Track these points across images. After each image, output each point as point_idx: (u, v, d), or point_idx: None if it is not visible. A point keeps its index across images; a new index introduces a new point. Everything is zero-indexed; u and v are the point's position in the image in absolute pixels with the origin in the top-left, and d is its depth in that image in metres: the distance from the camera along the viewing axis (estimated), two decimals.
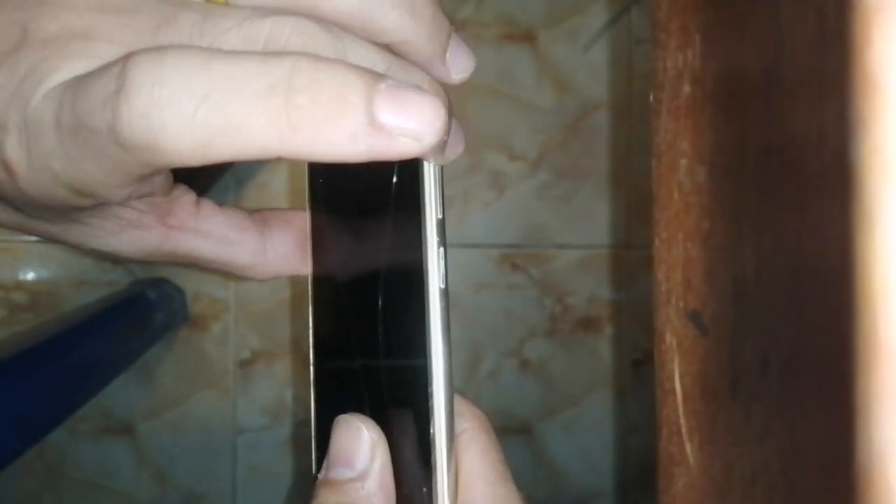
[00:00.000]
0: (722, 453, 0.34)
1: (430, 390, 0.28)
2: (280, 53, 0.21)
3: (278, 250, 0.31)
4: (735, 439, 0.33)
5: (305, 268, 0.32)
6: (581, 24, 1.01)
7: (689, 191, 0.36)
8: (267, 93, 0.20)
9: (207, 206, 0.30)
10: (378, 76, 0.21)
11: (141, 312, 0.88)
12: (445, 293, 0.31)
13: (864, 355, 0.19)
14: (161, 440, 1.00)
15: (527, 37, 1.01)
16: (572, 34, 1.01)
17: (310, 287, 0.32)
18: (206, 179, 0.93)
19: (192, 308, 0.99)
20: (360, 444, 0.27)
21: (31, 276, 0.98)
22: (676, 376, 0.36)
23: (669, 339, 0.36)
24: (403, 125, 0.21)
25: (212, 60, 0.21)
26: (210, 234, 0.30)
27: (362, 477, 0.27)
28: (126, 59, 0.21)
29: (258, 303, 1.00)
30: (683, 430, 0.35)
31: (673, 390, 0.36)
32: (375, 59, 0.24)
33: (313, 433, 0.31)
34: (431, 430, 0.28)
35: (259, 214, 0.31)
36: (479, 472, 0.28)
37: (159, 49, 0.21)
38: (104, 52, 0.22)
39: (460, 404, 0.29)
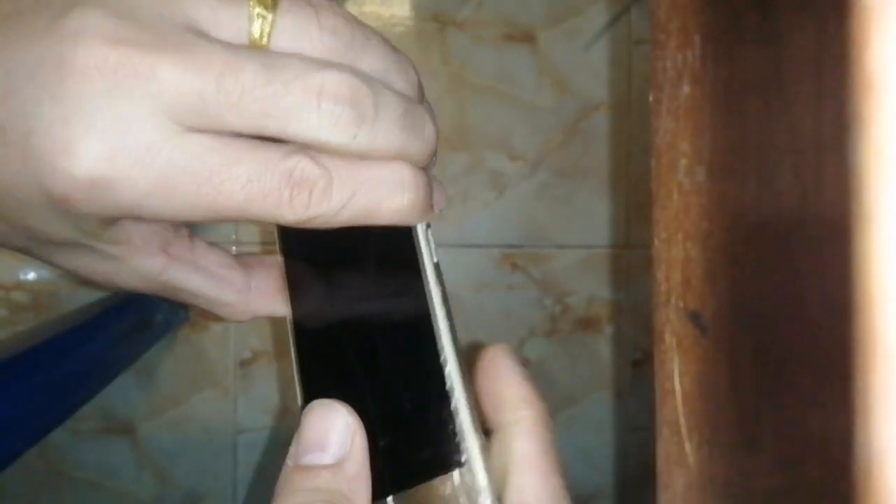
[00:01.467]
0: (721, 453, 0.34)
1: (435, 333, 0.28)
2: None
3: (261, 289, 0.32)
4: (735, 439, 0.33)
5: (284, 308, 0.33)
6: (581, 24, 1.01)
7: (688, 191, 0.36)
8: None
9: (199, 242, 0.32)
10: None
11: (141, 312, 0.88)
12: (437, 267, 0.31)
13: (864, 355, 0.19)
14: (161, 440, 1.00)
15: (527, 37, 1.01)
16: (572, 34, 1.01)
17: (290, 313, 0.33)
18: None
19: (192, 308, 0.99)
20: (337, 428, 0.26)
21: (31, 275, 0.98)
22: (676, 376, 0.36)
23: (669, 339, 0.36)
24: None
25: None
26: (203, 268, 0.31)
27: (340, 463, 0.26)
28: None
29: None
30: (683, 429, 0.35)
31: (672, 390, 0.36)
32: (402, 108, 0.27)
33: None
34: (442, 360, 0.28)
35: (241, 258, 0.33)
36: (532, 461, 0.27)
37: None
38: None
39: (525, 389, 0.28)
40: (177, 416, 1.00)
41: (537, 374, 1.01)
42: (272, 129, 0.24)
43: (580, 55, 1.01)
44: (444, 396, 0.27)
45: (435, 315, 0.29)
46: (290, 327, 0.32)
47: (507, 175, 1.01)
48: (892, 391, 0.19)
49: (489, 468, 0.26)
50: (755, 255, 0.32)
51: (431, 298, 0.29)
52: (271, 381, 1.00)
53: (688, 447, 0.35)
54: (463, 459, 0.26)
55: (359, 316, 0.31)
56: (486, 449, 0.27)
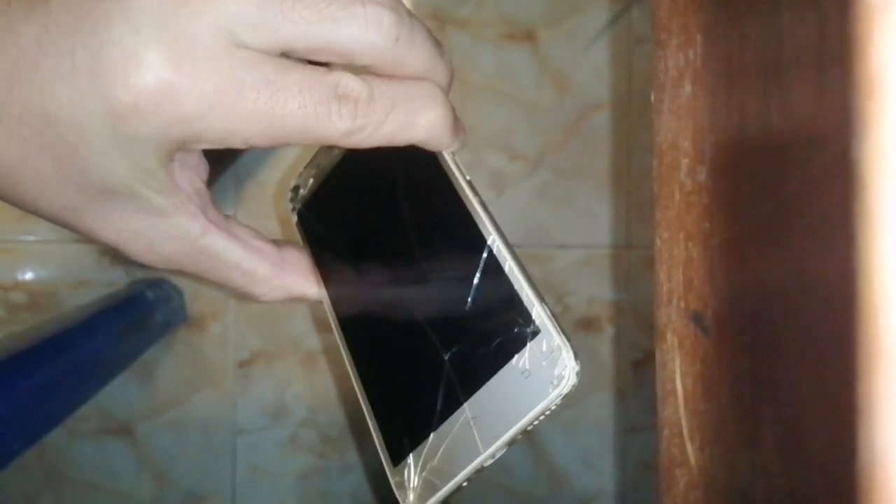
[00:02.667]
0: (723, 454, 0.34)
1: (478, 224, 0.29)
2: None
3: (295, 265, 0.33)
4: (737, 440, 0.33)
5: (316, 288, 0.34)
6: (581, 23, 1.01)
7: (690, 190, 0.36)
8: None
9: (232, 218, 0.32)
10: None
11: (140, 312, 0.88)
12: (471, 183, 0.31)
13: (866, 356, 0.19)
14: (160, 440, 1.00)
15: (527, 36, 1.01)
16: (573, 34, 1.01)
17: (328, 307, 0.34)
18: (208, 180, 0.93)
19: (191, 308, 0.99)
20: None
21: (29, 275, 0.98)
22: (678, 377, 0.36)
23: (671, 340, 0.36)
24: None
25: None
26: (239, 238, 0.31)
27: None
28: None
29: (258, 303, 1.00)
30: (685, 430, 0.35)
31: (674, 391, 0.36)
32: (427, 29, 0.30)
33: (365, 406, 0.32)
34: (490, 243, 0.29)
35: (273, 239, 0.33)
36: None
37: None
38: None
39: None
40: (176, 417, 1.00)
41: None
42: (324, 35, 0.26)
43: (581, 54, 1.01)
44: (501, 276, 0.28)
45: (474, 209, 0.30)
46: (329, 309, 0.33)
47: (507, 175, 1.01)
48: (893, 392, 0.19)
49: (561, 327, 0.26)
50: (756, 254, 0.32)
51: (470, 201, 0.30)
52: (271, 381, 1.00)
53: (689, 448, 0.35)
54: (533, 329, 0.26)
55: (402, 249, 0.32)
56: (552, 314, 0.27)
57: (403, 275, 0.32)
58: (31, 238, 0.98)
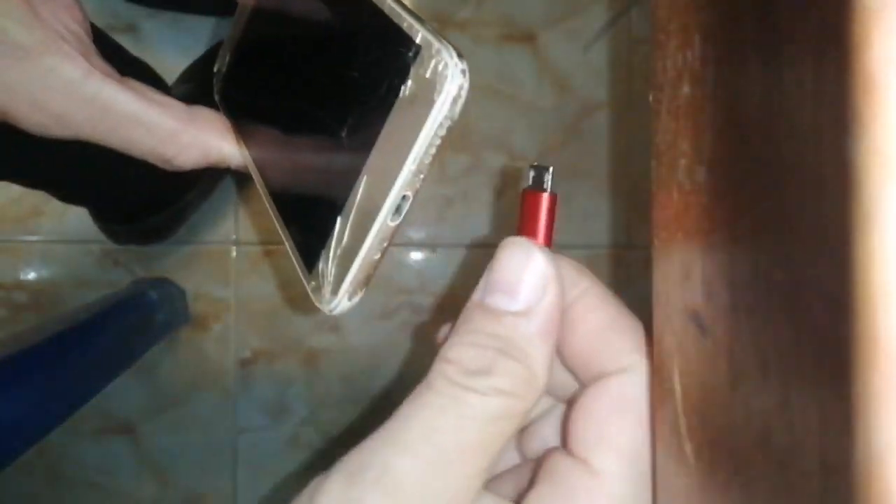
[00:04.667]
0: (721, 454, 0.34)
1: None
2: None
3: (208, 120, 0.30)
4: (734, 439, 0.33)
5: (234, 146, 0.30)
6: (581, 24, 1.01)
7: (688, 191, 0.36)
8: None
9: (130, 78, 0.28)
10: None
11: (142, 312, 0.88)
12: None
13: (864, 356, 0.19)
14: (162, 440, 1.00)
15: (527, 37, 1.01)
16: (572, 34, 1.01)
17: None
18: (209, 181, 0.93)
19: (193, 307, 0.99)
20: (532, 274, 0.24)
21: (31, 275, 0.98)
22: (676, 376, 0.36)
23: (669, 340, 0.36)
24: None
25: None
26: (135, 88, 0.28)
27: (527, 312, 0.24)
28: None
29: (259, 302, 1.00)
30: (683, 429, 0.35)
31: (672, 390, 0.36)
32: None
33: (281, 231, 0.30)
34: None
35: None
36: (618, 322, 0.26)
37: None
38: None
39: (573, 264, 0.27)
40: (177, 416, 1.00)
41: None
42: None
43: (580, 55, 1.01)
44: (381, 19, 0.25)
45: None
46: (251, 166, 0.31)
47: (507, 175, 1.01)
48: (892, 392, 0.19)
49: (442, 36, 0.24)
50: (756, 254, 0.32)
51: None
52: (271, 381, 1.00)
53: (687, 448, 0.35)
54: (414, 51, 0.24)
55: (304, 62, 0.30)
56: (437, 31, 0.24)
57: (304, 81, 0.30)
58: (34, 238, 0.98)
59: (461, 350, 0.23)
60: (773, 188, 0.30)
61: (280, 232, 0.30)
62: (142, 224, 0.91)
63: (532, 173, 0.27)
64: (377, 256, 0.25)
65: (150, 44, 0.97)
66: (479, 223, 1.00)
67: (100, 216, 0.92)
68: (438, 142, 0.23)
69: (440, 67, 0.23)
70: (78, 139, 0.27)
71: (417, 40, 0.24)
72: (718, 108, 0.35)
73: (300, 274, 0.28)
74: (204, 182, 0.92)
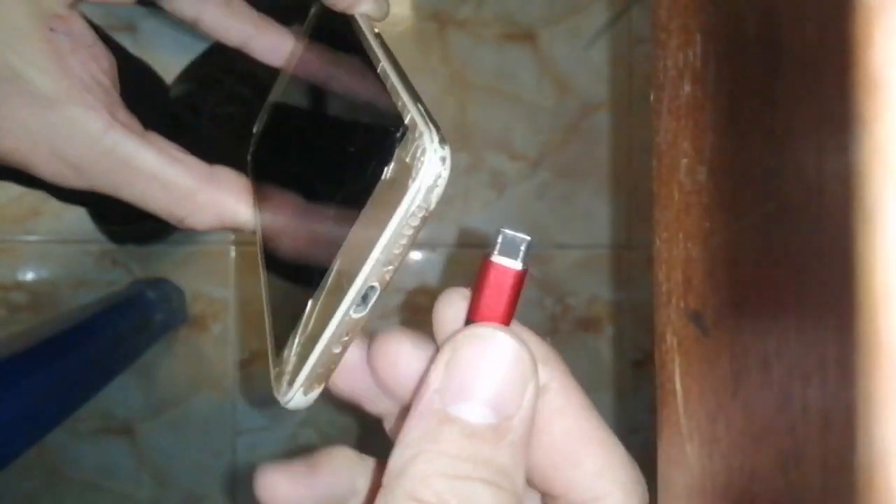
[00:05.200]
0: (723, 454, 0.34)
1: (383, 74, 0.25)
2: None
3: (227, 182, 0.28)
4: (736, 440, 0.33)
5: (250, 212, 0.29)
6: (581, 23, 1.01)
7: (689, 190, 0.36)
8: None
9: (152, 132, 0.28)
10: None
11: (140, 312, 0.88)
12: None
13: (866, 356, 0.19)
14: (160, 440, 1.00)
15: (527, 36, 1.01)
16: (573, 34, 1.01)
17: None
18: None
19: (191, 308, 0.99)
20: (509, 378, 0.20)
21: (30, 276, 0.99)
22: (677, 377, 0.36)
23: (670, 340, 0.36)
24: None
25: None
26: (155, 143, 0.27)
27: (506, 427, 0.20)
28: None
29: (258, 303, 1.00)
30: (684, 430, 0.35)
31: (674, 391, 0.36)
32: None
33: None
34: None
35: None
36: (587, 435, 0.23)
37: None
38: None
39: (538, 347, 0.23)
40: (176, 417, 1.00)
41: None
42: None
43: (581, 54, 1.01)
44: (385, 104, 0.24)
45: (384, 74, 0.26)
46: (259, 238, 0.30)
47: (508, 175, 1.01)
48: (893, 392, 0.19)
49: (431, 118, 0.22)
50: (756, 254, 0.32)
51: (380, 63, 0.26)
52: (271, 381, 1.00)
53: (689, 448, 0.35)
54: (402, 131, 0.22)
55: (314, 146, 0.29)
56: (429, 112, 0.23)
57: (313, 154, 0.29)
58: (32, 238, 0.98)
59: (439, 483, 0.19)
60: (774, 188, 0.30)
61: (264, 306, 0.29)
62: (140, 224, 0.92)
63: (501, 239, 0.22)
64: (337, 350, 0.23)
65: (150, 43, 0.97)
66: (479, 223, 1.01)
67: (98, 216, 0.92)
68: (410, 231, 0.21)
69: (419, 152, 0.21)
70: (93, 190, 0.26)
71: (406, 121, 0.22)
72: (720, 108, 0.35)
73: (269, 355, 0.27)
74: None
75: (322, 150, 0.29)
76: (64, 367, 0.68)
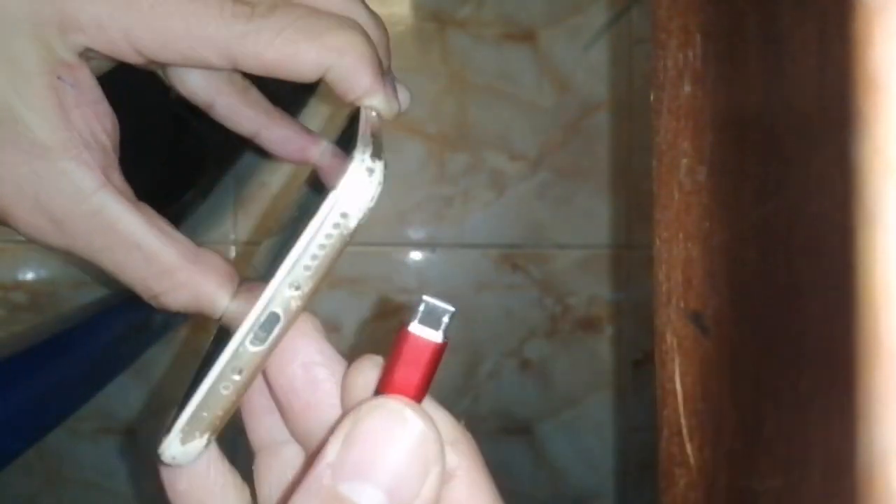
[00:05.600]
0: (723, 453, 0.34)
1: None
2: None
3: (213, 264, 0.26)
4: (736, 440, 0.33)
5: (225, 301, 0.27)
6: (581, 23, 1.01)
7: (689, 190, 0.36)
8: None
9: (144, 204, 0.27)
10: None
11: (140, 312, 0.88)
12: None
13: (866, 356, 0.19)
14: None
15: (527, 36, 1.01)
16: (573, 34, 1.01)
17: None
18: (208, 181, 0.93)
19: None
20: (409, 460, 0.19)
21: (30, 276, 0.98)
22: (677, 376, 0.36)
23: (670, 340, 0.36)
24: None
25: None
26: (146, 212, 0.26)
27: None
28: None
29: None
30: (684, 430, 0.35)
31: (674, 390, 0.36)
32: None
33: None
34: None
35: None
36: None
37: None
38: None
39: (449, 428, 0.22)
40: None
41: (537, 375, 1.01)
42: None
43: (581, 54, 1.01)
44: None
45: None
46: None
47: (508, 175, 1.01)
48: (893, 392, 0.19)
49: (376, 134, 0.21)
50: (756, 254, 0.32)
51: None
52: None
53: (689, 448, 0.35)
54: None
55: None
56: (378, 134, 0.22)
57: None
58: None
59: None
60: (774, 188, 0.30)
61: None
62: None
63: (423, 307, 0.21)
64: (226, 391, 0.20)
65: None
66: (478, 223, 1.01)
67: None
68: (321, 250, 0.19)
69: (349, 164, 0.19)
70: (70, 252, 0.25)
71: (358, 140, 0.21)
72: (719, 108, 0.35)
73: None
74: (202, 182, 0.92)
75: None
76: (64, 367, 0.68)
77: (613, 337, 1.02)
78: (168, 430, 0.20)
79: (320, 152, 0.32)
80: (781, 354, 0.30)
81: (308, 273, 0.19)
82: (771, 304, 0.32)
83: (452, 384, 1.00)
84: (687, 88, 0.37)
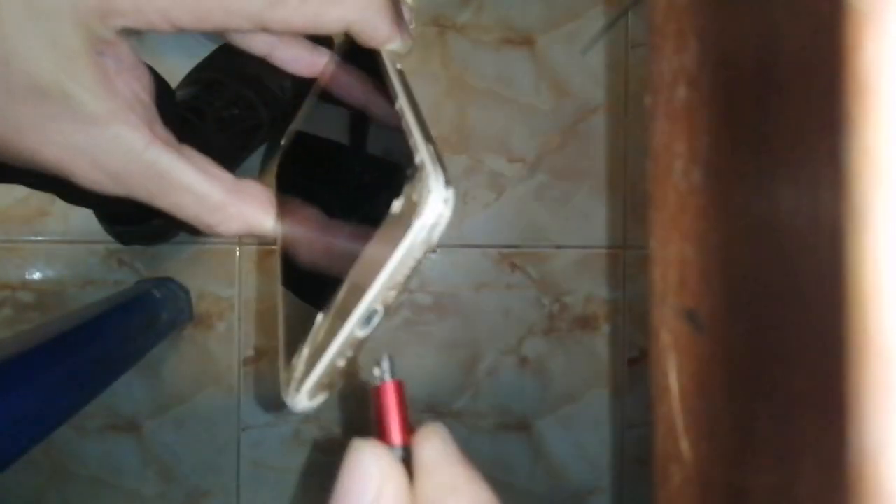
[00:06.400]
0: (717, 449, 0.34)
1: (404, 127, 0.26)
2: None
3: (253, 194, 0.30)
4: (730, 436, 0.33)
5: (272, 223, 0.31)
6: (579, 28, 1.01)
7: (684, 192, 0.36)
8: None
9: (186, 145, 0.29)
10: None
11: (146, 311, 0.88)
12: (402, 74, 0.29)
13: (856, 354, 0.19)
14: (166, 437, 1.00)
15: (526, 41, 1.01)
16: (570, 38, 1.01)
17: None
18: None
19: (197, 307, 0.99)
20: (354, 488, 0.22)
21: (37, 275, 0.99)
22: (672, 374, 0.36)
23: (665, 338, 0.36)
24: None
25: None
26: (191, 158, 0.28)
27: None
28: None
29: (262, 301, 1.00)
30: (679, 426, 0.35)
31: (669, 387, 0.36)
32: None
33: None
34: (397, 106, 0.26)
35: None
36: (440, 460, 0.24)
37: None
38: None
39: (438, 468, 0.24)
40: (181, 414, 1.00)
41: (536, 372, 1.01)
42: None
43: (578, 58, 1.02)
44: (400, 139, 0.25)
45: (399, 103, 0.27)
46: (278, 252, 0.32)
47: (506, 176, 1.01)
48: (884, 389, 0.19)
49: (440, 160, 0.24)
50: (750, 254, 0.32)
51: (397, 95, 0.27)
52: (274, 378, 1.00)
53: (684, 444, 0.35)
54: (411, 171, 0.24)
55: (335, 173, 0.31)
56: (439, 154, 0.24)
57: (332, 176, 0.31)
58: (39, 238, 0.98)
59: None
60: (767, 189, 0.31)
61: (278, 314, 0.31)
62: (146, 225, 0.92)
63: (376, 371, 0.25)
64: (341, 364, 0.25)
65: (154, 47, 0.97)
66: (478, 223, 1.01)
67: (105, 217, 0.92)
68: (413, 262, 0.23)
69: (424, 193, 0.23)
70: (129, 198, 0.28)
71: (416, 160, 0.24)
72: (714, 111, 0.35)
73: (280, 360, 0.28)
74: None
75: (340, 174, 0.30)
76: (71, 366, 0.68)
77: (610, 335, 1.02)
78: (297, 388, 0.26)
79: (325, 64, 0.34)
80: (775, 352, 0.31)
81: (401, 279, 0.23)
82: (764, 303, 0.32)
83: (452, 381, 1.01)
84: (682, 91, 0.37)
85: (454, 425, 1.00)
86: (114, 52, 0.26)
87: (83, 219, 0.95)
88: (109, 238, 0.94)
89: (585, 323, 1.02)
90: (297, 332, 0.28)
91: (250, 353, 1.00)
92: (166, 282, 0.97)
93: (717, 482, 0.34)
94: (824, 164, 0.24)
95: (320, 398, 0.26)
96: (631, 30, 1.02)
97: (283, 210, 0.32)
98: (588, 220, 1.02)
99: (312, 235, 0.30)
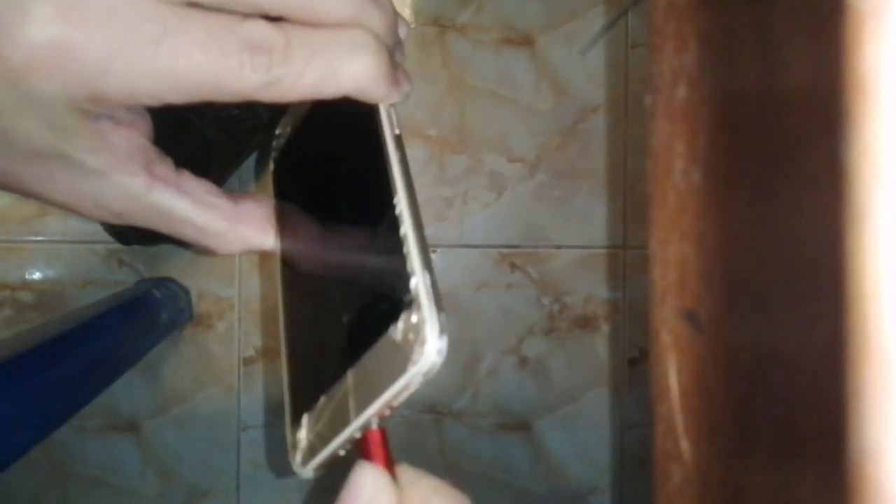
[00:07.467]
0: (717, 449, 0.34)
1: (394, 202, 0.26)
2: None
3: (250, 217, 0.31)
4: (730, 436, 0.33)
5: (273, 240, 0.32)
6: (579, 28, 1.01)
7: (684, 192, 0.36)
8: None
9: (185, 171, 0.30)
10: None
11: (146, 311, 0.88)
12: (399, 138, 0.29)
13: (856, 353, 0.19)
14: (166, 437, 1.00)
15: (525, 41, 1.01)
16: (570, 38, 1.01)
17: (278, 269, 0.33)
18: (213, 182, 0.94)
19: (197, 307, 1.00)
20: (353, 496, 0.24)
21: (37, 275, 0.99)
22: (672, 374, 0.36)
23: (665, 338, 0.36)
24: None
25: None
26: (189, 192, 0.29)
27: None
28: None
29: (262, 301, 1.00)
30: (679, 426, 0.35)
31: (669, 387, 0.36)
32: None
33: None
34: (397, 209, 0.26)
35: (228, 191, 0.32)
36: (420, 475, 0.26)
37: None
38: None
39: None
40: (181, 414, 1.00)
41: (536, 372, 1.02)
42: None
43: (578, 58, 1.02)
44: (395, 238, 0.26)
45: (390, 166, 0.28)
46: (276, 261, 0.33)
47: (506, 176, 1.01)
48: (883, 388, 0.19)
49: (436, 297, 0.24)
50: (750, 254, 0.32)
51: (389, 157, 0.28)
52: (275, 378, 1.00)
53: (684, 444, 0.35)
54: (409, 299, 0.24)
55: (331, 206, 0.31)
56: (435, 285, 0.24)
57: (326, 232, 0.31)
58: (39, 238, 0.98)
59: None
60: (767, 189, 0.31)
61: (282, 359, 0.33)
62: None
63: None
64: (342, 453, 0.26)
65: None
66: (478, 223, 1.01)
67: None
68: (408, 394, 0.24)
69: (419, 339, 0.23)
70: (133, 226, 0.30)
71: (411, 288, 0.24)
72: (714, 110, 0.35)
73: (287, 416, 0.30)
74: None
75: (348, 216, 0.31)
76: (70, 365, 0.68)
77: (610, 335, 1.03)
78: (304, 462, 0.27)
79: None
80: (775, 352, 0.31)
81: (395, 404, 0.24)
82: (764, 303, 0.32)
83: (452, 381, 1.01)
84: (682, 92, 0.37)
85: (454, 425, 1.01)
86: (108, 114, 0.27)
87: (83, 219, 0.95)
88: (109, 238, 0.94)
89: (585, 323, 1.02)
90: (303, 397, 0.29)
91: (250, 353, 1.00)
92: (166, 282, 0.97)
93: (717, 482, 0.34)
94: (824, 163, 0.24)
95: (320, 472, 0.28)
96: (631, 30, 1.02)
97: (283, 225, 0.32)
98: (588, 220, 1.02)
99: (311, 255, 0.32)
